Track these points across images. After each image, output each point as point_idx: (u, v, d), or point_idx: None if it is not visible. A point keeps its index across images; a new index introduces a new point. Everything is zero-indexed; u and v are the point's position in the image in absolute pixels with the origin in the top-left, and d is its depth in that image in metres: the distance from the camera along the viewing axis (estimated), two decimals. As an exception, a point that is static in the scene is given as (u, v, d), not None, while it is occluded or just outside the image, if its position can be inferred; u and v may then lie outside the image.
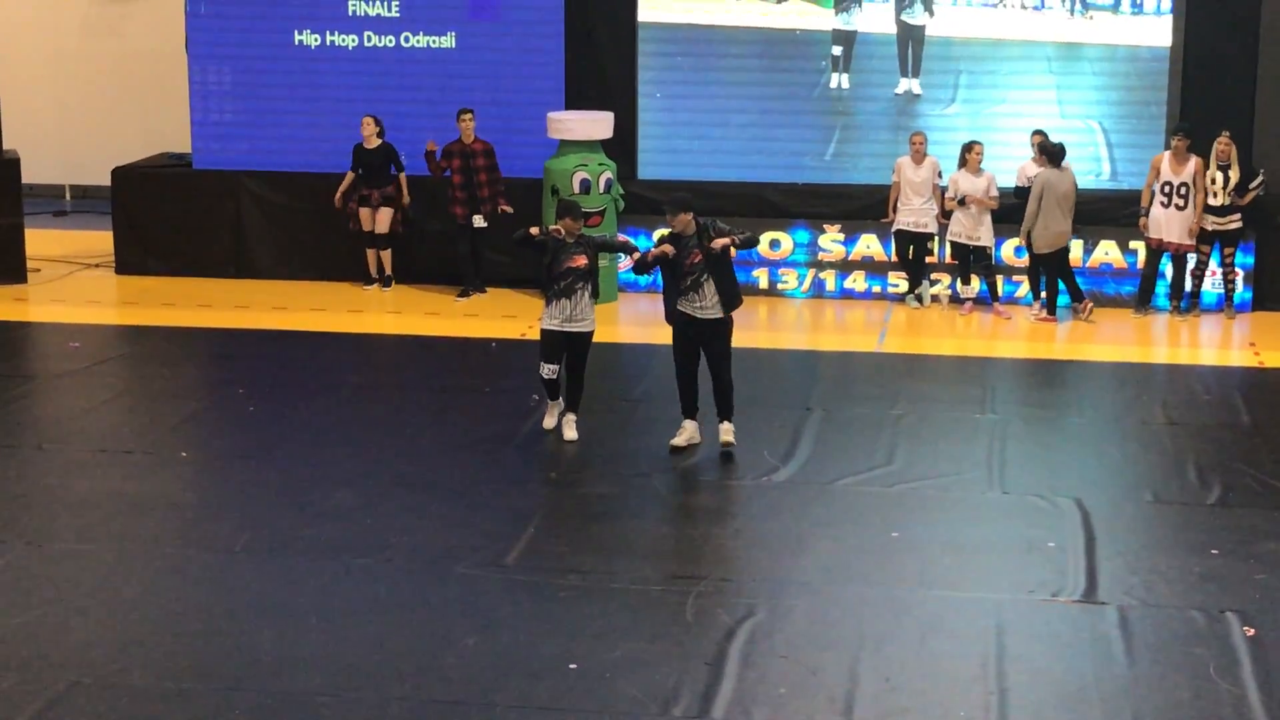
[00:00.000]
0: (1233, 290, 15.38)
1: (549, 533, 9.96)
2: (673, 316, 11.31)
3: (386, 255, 16.55)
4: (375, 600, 8.96)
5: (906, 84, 16.41)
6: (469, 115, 15.85)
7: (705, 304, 11.17)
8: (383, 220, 16.37)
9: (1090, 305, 15.31)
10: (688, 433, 11.52)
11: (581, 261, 11.46)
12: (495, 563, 9.45)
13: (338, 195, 16.35)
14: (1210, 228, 15.15)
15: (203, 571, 9.38)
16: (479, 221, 15.97)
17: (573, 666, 8.16)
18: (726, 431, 11.38)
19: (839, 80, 16.47)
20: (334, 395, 12.98)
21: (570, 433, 11.73)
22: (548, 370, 11.65)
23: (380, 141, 16.23)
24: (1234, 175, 14.97)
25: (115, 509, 10.37)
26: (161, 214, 17.22)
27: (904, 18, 16.33)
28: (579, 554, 9.60)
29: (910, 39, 16.32)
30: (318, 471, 11.08)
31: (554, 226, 11.61)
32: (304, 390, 13.09)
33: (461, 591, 9.05)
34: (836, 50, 16.45)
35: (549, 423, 11.96)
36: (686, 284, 11.15)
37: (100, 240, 18.01)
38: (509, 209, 15.82)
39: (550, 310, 11.57)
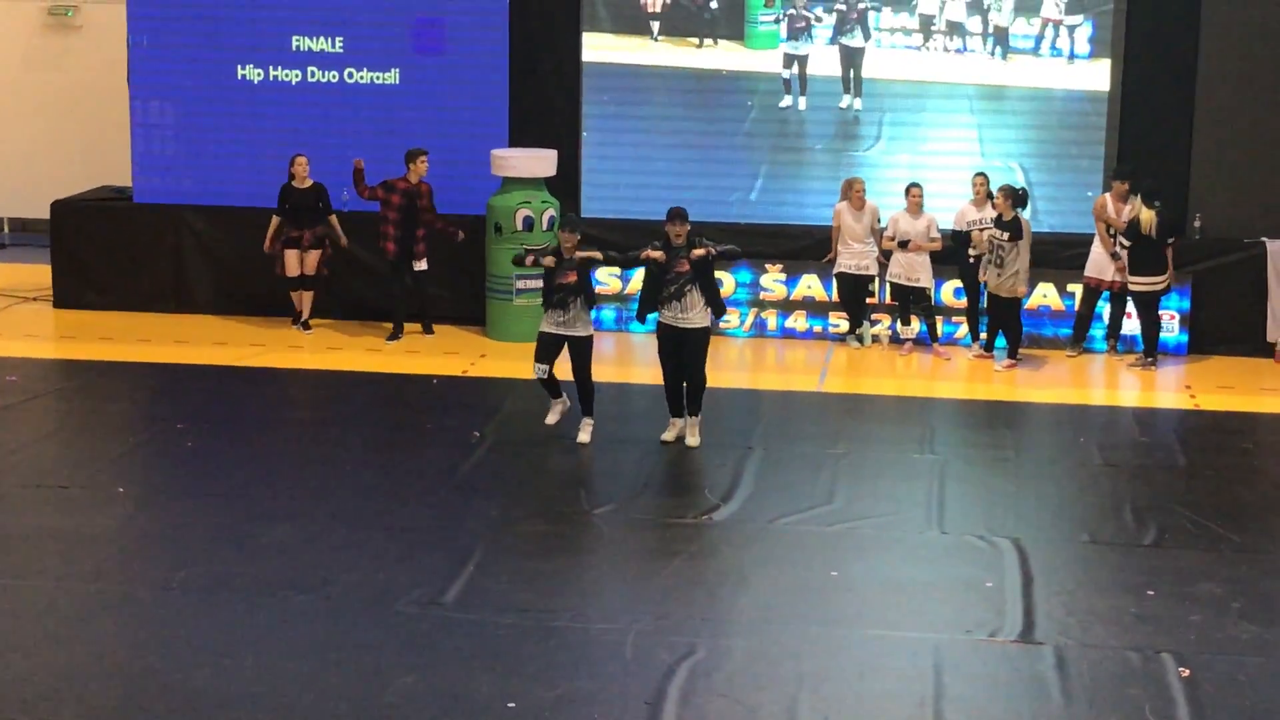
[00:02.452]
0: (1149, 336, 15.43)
1: (489, 571, 9.93)
2: (644, 318, 12.43)
3: (309, 297, 16.24)
4: (313, 638, 8.91)
5: (849, 99, 16.53)
6: (424, 157, 15.65)
7: (687, 313, 12.12)
8: (312, 262, 16.08)
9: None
10: (676, 429, 12.45)
11: (572, 278, 12.24)
12: (434, 601, 9.42)
13: (268, 241, 16.02)
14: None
15: (139, 608, 9.30)
16: (420, 266, 15.83)
17: (511, 705, 8.14)
18: (692, 428, 12.43)
19: (796, 101, 16.58)
20: (273, 431, 12.91)
21: (584, 435, 12.52)
22: (538, 369, 12.36)
23: (311, 181, 16.04)
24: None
25: (51, 545, 10.28)
26: (101, 248, 17.11)
27: (844, 41, 16.48)
28: (519, 592, 9.59)
29: (851, 63, 16.47)
30: (256, 508, 11.02)
31: (547, 250, 12.51)
32: (243, 426, 13.02)
33: (400, 629, 9.02)
34: (787, 73, 16.56)
35: (550, 419, 12.56)
36: (670, 291, 12.07)
37: (38, 274, 17.88)
38: (461, 235, 15.84)
39: (546, 317, 12.38)
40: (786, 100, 16.58)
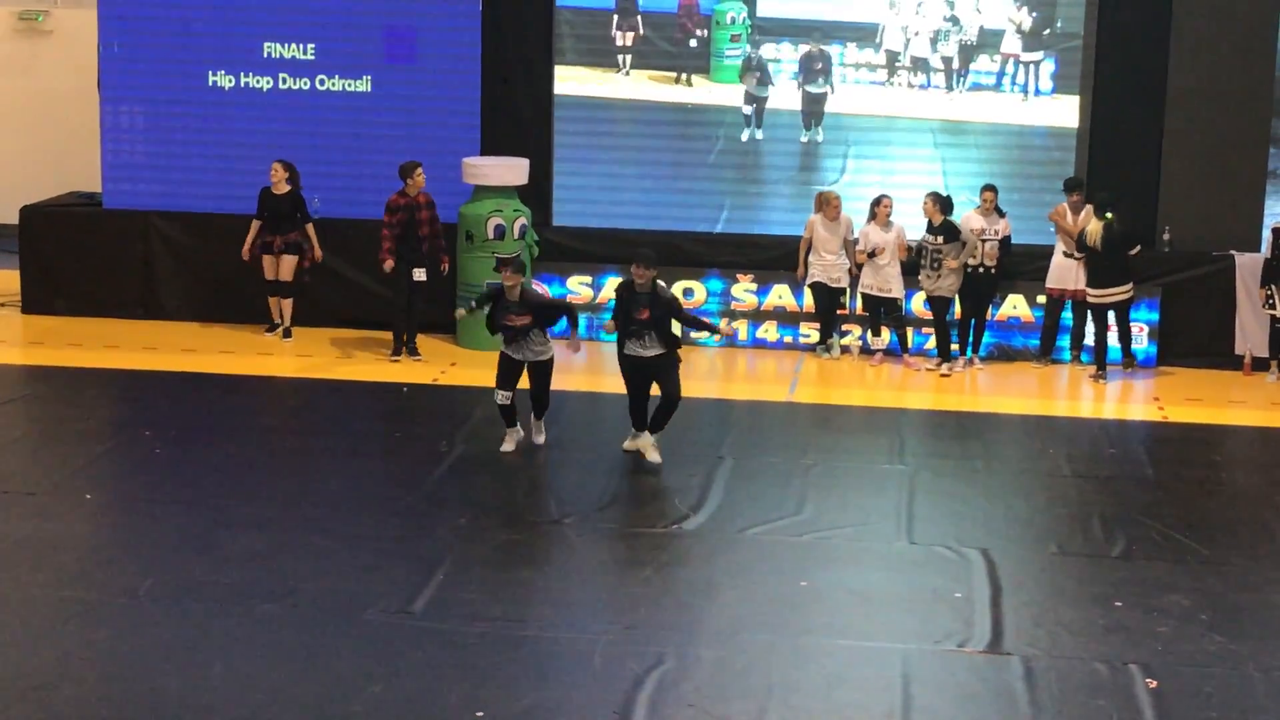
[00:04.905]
0: (1124, 345, 15.51)
1: (457, 580, 9.91)
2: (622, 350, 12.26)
3: (288, 305, 16.17)
4: (281, 646, 8.89)
5: (809, 134, 16.58)
6: (420, 169, 15.48)
7: (648, 348, 12.11)
8: (286, 268, 15.99)
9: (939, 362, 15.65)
10: (639, 442, 12.33)
11: (524, 322, 12.17)
12: (403, 610, 9.40)
13: (246, 247, 15.94)
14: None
15: (106, 616, 9.26)
16: (419, 275, 15.67)
17: (480, 715, 8.12)
18: (648, 445, 12.26)
19: (752, 134, 16.64)
20: (242, 439, 12.87)
21: (540, 437, 12.60)
22: (501, 396, 12.30)
23: (289, 188, 15.94)
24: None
25: (17, 551, 10.23)
26: (70, 254, 17.03)
27: (808, 89, 16.53)
28: (487, 602, 9.57)
29: (813, 106, 16.53)
30: (224, 515, 10.98)
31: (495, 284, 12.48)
32: (211, 433, 12.98)
33: (368, 639, 8.99)
34: (748, 109, 16.61)
35: (507, 446, 12.42)
36: (633, 329, 12.07)
37: (7, 279, 17.79)
38: (445, 266, 15.74)
39: (506, 344, 12.34)
40: (746, 134, 16.64)
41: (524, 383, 12.45)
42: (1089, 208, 15.44)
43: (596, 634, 9.11)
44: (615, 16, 16.67)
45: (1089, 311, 15.39)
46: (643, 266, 12.05)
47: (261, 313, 16.39)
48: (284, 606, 9.42)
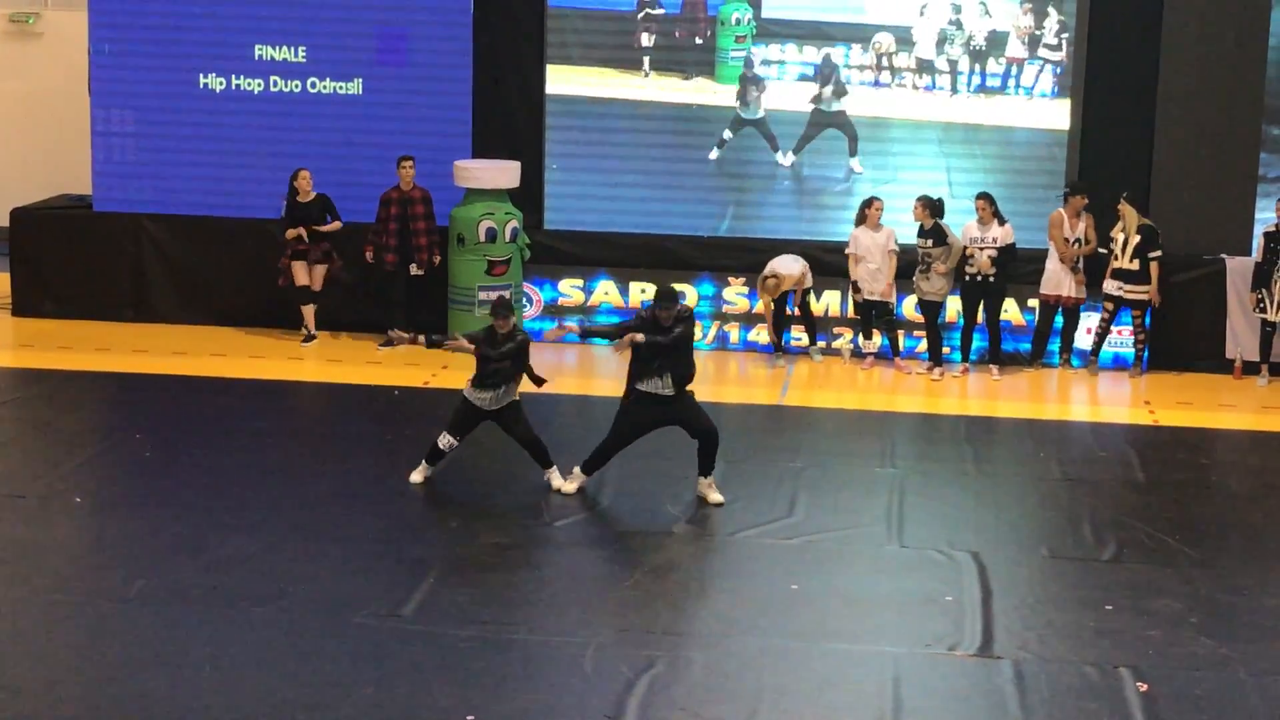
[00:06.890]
0: (1140, 350, 15.60)
1: (448, 583, 9.90)
2: (631, 394, 11.38)
3: (311, 310, 16.22)
4: (271, 649, 8.88)
5: (791, 158, 16.50)
6: (410, 162, 15.68)
7: (666, 387, 11.26)
8: (319, 276, 16.08)
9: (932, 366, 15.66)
10: (579, 482, 11.64)
11: (505, 363, 11.39)
12: (393, 613, 9.39)
13: (285, 260, 15.93)
14: (1116, 292, 15.42)
15: (95, 619, 9.25)
16: (415, 270, 15.79)
17: (470, 718, 8.12)
18: (710, 487, 11.54)
19: (717, 155, 16.63)
20: (232, 441, 12.85)
21: (558, 481, 11.67)
22: (446, 441, 11.56)
23: (315, 194, 15.96)
24: (1131, 238, 15.25)
25: (6, 554, 10.21)
26: (60, 256, 17.02)
27: (820, 106, 16.50)
28: (478, 604, 9.56)
29: (832, 123, 16.49)
30: (214, 518, 10.96)
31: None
32: (202, 436, 12.96)
33: (358, 641, 8.98)
34: (729, 134, 16.58)
35: (416, 477, 11.75)
36: (652, 367, 11.22)
37: (-3, 281, 17.79)
38: (438, 258, 15.80)
39: (476, 386, 11.52)
40: (714, 153, 16.61)
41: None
42: (1089, 216, 15.46)
43: (587, 637, 9.11)
44: (638, 16, 16.57)
45: (1130, 307, 15.52)
46: (664, 306, 11.19)
47: (254, 315, 16.39)
48: (274, 609, 9.40)
